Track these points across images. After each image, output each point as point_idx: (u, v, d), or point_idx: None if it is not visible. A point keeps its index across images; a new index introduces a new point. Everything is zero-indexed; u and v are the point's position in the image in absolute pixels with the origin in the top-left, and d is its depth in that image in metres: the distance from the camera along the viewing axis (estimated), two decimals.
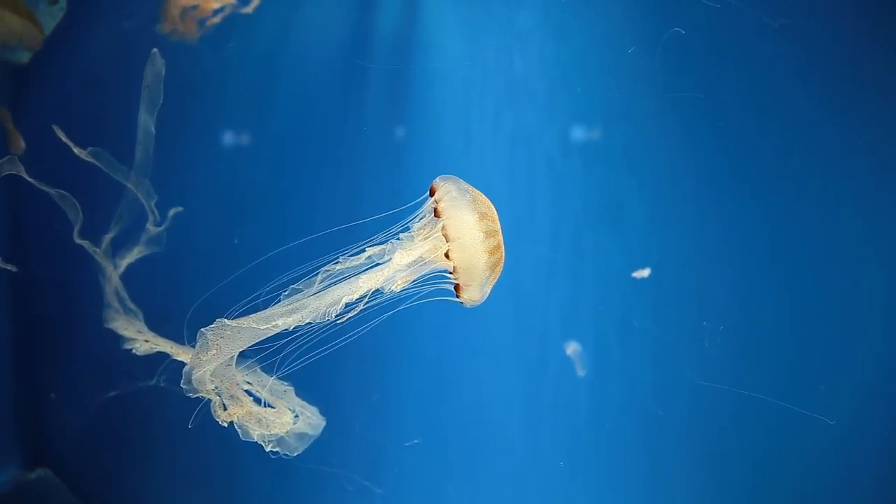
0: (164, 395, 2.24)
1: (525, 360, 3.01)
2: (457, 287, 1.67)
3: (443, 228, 1.61)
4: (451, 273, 1.65)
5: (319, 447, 2.85)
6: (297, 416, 1.86)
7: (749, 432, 2.80)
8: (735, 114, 2.74)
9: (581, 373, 2.89)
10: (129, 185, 2.49)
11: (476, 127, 2.92)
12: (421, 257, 1.64)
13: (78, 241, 2.45)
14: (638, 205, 2.89)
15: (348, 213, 2.89)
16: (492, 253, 1.64)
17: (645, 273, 2.80)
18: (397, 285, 1.65)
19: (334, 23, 2.92)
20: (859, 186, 2.66)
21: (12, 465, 3.15)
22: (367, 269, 1.65)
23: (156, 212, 2.51)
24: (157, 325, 2.45)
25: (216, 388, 1.67)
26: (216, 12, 2.84)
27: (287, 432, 1.80)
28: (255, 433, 1.73)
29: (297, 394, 1.91)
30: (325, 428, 2.10)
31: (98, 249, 2.44)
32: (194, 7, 2.82)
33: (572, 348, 2.91)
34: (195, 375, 1.60)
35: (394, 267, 1.63)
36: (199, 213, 2.92)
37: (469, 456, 3.03)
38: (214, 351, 1.59)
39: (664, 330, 2.87)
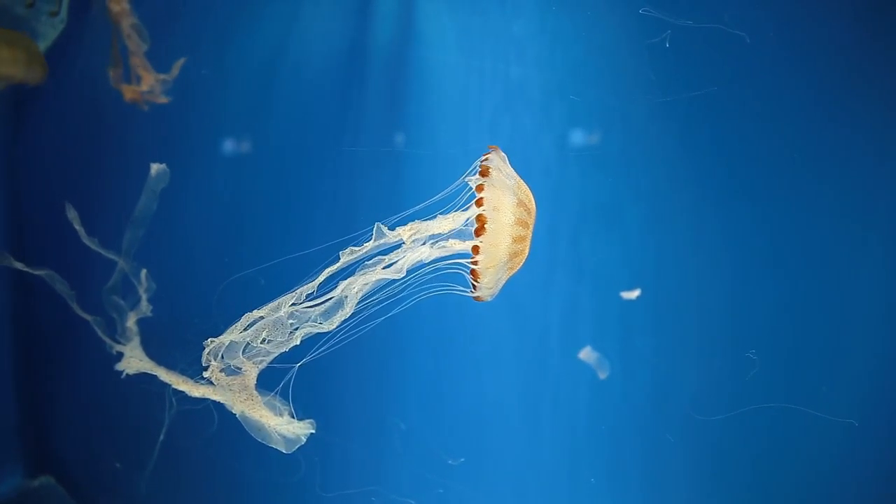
0: (169, 404, 2.26)
1: (525, 367, 3.02)
2: (473, 273, 1.67)
3: (479, 200, 1.63)
4: (472, 253, 1.65)
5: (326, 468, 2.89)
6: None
7: (751, 436, 2.80)
8: (732, 117, 2.75)
9: (603, 376, 2.89)
10: (119, 262, 2.54)
11: (473, 133, 2.94)
12: (451, 229, 1.67)
13: (80, 313, 2.50)
14: (636, 210, 2.90)
15: (347, 220, 2.91)
16: (516, 241, 1.65)
17: (634, 294, 2.81)
18: (424, 255, 1.67)
19: (331, 32, 2.94)
20: (858, 188, 2.66)
21: (15, 473, 3.16)
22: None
23: (144, 295, 2.55)
24: (155, 337, 2.48)
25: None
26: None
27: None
28: (235, 404, 1.76)
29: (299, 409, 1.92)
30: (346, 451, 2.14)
31: (99, 318, 2.49)
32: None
33: (586, 353, 2.90)
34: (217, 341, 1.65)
35: (426, 233, 1.66)
36: (197, 221, 2.94)
37: (473, 463, 3.03)
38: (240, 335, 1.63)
39: (664, 335, 2.89)
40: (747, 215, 2.78)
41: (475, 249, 1.64)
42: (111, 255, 2.56)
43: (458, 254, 1.75)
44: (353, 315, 1.75)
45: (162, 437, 2.59)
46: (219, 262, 2.93)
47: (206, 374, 1.72)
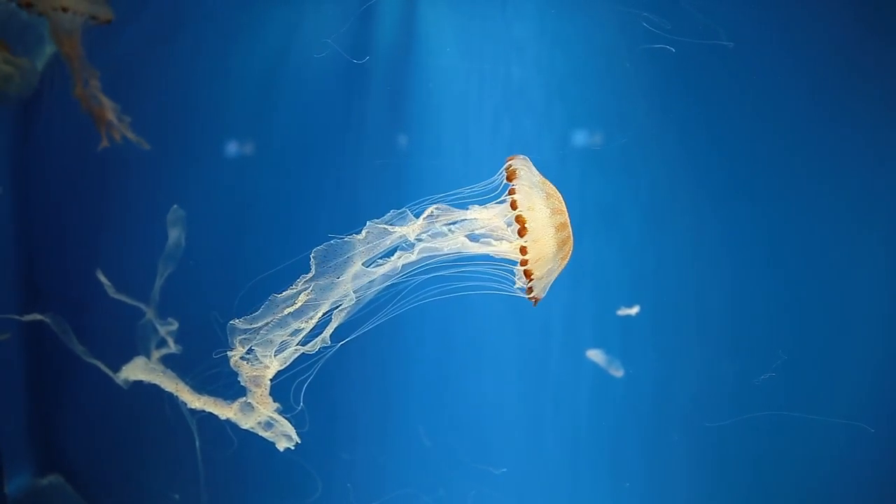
0: (176, 403, 2.28)
1: (527, 368, 3.04)
2: (526, 273, 1.68)
3: (513, 202, 1.63)
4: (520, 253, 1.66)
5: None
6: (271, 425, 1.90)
7: (753, 437, 2.81)
8: (731, 118, 2.76)
9: (618, 373, 2.89)
10: (147, 312, 2.59)
11: (474, 135, 2.95)
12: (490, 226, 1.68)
13: (88, 359, 2.54)
14: (636, 210, 2.91)
15: (350, 221, 2.93)
16: (559, 229, 1.67)
17: (632, 311, 2.83)
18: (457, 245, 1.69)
19: (333, 36, 2.96)
20: (858, 188, 2.67)
21: (24, 472, 3.19)
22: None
23: (169, 338, 2.60)
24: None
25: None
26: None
27: (258, 421, 1.85)
28: (250, 397, 1.79)
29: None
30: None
31: (109, 369, 2.53)
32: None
33: (595, 354, 2.90)
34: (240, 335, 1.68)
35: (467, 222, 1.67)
36: (201, 223, 2.96)
37: (475, 460, 3.05)
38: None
39: (663, 331, 2.90)
40: (747, 216, 2.79)
41: (523, 250, 1.64)
42: (139, 304, 2.62)
43: (483, 254, 1.76)
44: (358, 314, 1.77)
45: (197, 443, 2.62)
46: (220, 265, 2.95)
47: (231, 360, 1.74)
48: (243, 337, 1.70)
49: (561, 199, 1.75)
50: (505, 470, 2.95)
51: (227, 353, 1.71)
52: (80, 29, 2.69)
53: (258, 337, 1.71)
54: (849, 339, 2.72)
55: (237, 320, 1.70)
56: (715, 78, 2.73)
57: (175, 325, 2.61)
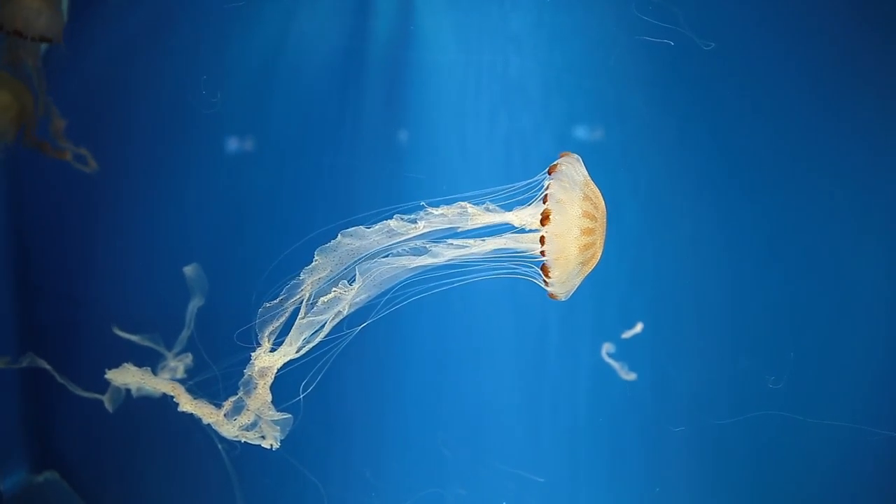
0: (173, 399, 2.28)
1: (524, 366, 3.02)
2: (543, 268, 1.66)
3: (546, 198, 1.63)
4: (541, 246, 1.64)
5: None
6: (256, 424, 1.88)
7: (752, 436, 2.78)
8: (731, 114, 2.74)
9: (630, 377, 2.88)
10: (169, 357, 2.58)
11: (471, 130, 2.93)
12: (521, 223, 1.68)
13: (83, 394, 2.53)
14: (634, 205, 2.90)
15: (347, 217, 2.92)
16: (585, 233, 1.65)
17: (637, 329, 2.82)
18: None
19: (330, 30, 2.95)
20: (857, 185, 2.64)
21: (20, 468, 3.19)
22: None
23: (181, 366, 2.60)
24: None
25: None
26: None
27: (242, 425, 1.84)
28: (251, 391, 1.77)
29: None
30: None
31: (104, 397, 2.52)
32: None
33: (608, 355, 2.89)
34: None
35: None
36: (196, 219, 2.95)
37: (471, 460, 3.05)
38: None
39: (662, 330, 2.90)
40: (747, 213, 2.77)
41: (542, 240, 1.62)
42: (161, 349, 2.61)
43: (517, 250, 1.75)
44: (356, 313, 1.76)
45: (220, 446, 2.61)
46: (216, 265, 2.94)
47: (255, 358, 1.72)
48: (270, 330, 1.68)
49: (599, 197, 1.74)
50: (542, 480, 2.94)
51: (254, 348, 1.69)
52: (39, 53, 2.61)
53: (278, 327, 1.69)
54: (850, 339, 2.71)
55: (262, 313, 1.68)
56: (715, 73, 2.72)
57: (190, 358, 2.60)
